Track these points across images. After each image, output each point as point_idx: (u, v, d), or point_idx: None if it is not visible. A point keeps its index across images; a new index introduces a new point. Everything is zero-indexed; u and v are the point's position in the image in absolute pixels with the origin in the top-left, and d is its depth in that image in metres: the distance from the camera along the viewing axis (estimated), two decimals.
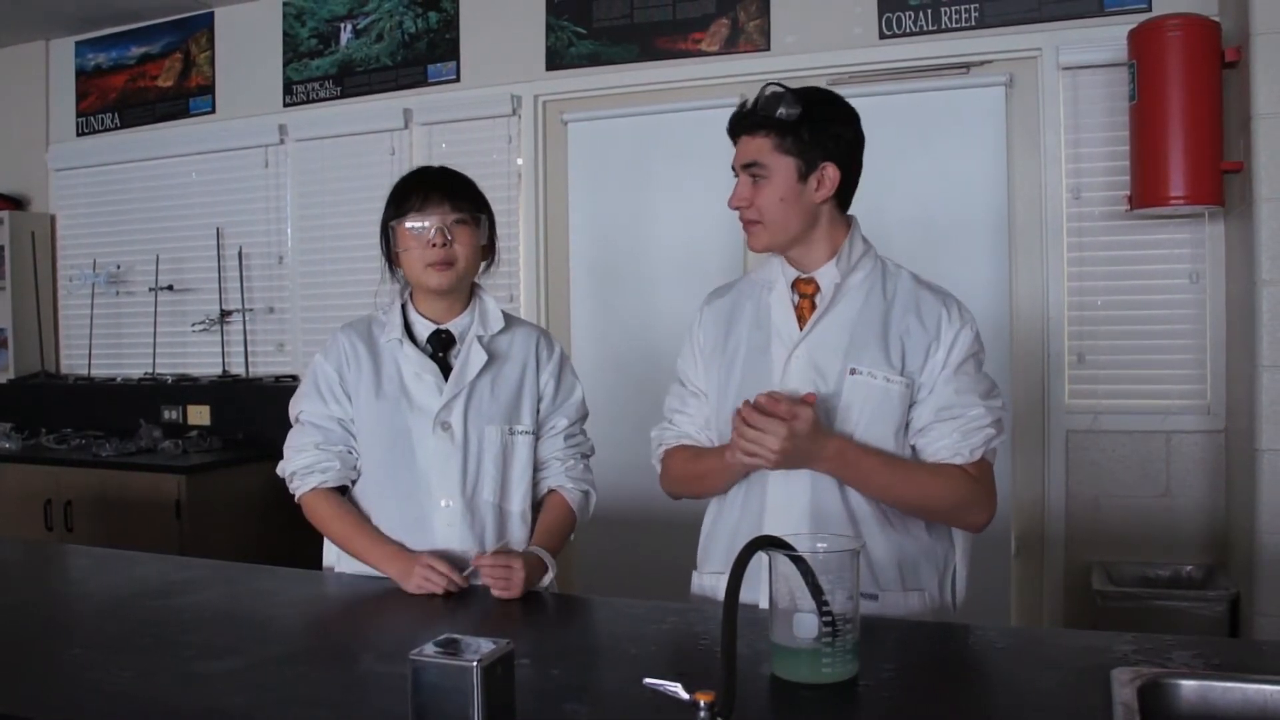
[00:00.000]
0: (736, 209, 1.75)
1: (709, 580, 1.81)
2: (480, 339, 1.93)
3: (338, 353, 1.94)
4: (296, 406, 1.96)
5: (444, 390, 1.89)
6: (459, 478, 1.88)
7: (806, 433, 1.58)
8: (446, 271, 1.87)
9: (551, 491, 2.00)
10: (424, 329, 1.94)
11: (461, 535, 1.87)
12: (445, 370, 1.91)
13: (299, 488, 1.92)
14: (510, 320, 2.00)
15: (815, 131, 1.70)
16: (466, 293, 1.97)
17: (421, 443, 1.89)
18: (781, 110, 1.68)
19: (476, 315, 1.96)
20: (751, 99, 1.74)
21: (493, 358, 1.93)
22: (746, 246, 1.81)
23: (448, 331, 1.94)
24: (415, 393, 1.90)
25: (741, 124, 1.74)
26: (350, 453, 1.93)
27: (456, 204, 1.88)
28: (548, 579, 1.87)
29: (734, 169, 1.76)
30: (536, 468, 1.98)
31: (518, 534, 1.93)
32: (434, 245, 1.85)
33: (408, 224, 1.87)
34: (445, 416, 1.89)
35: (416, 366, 1.91)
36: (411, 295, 1.97)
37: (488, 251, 1.96)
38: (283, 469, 1.95)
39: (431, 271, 1.86)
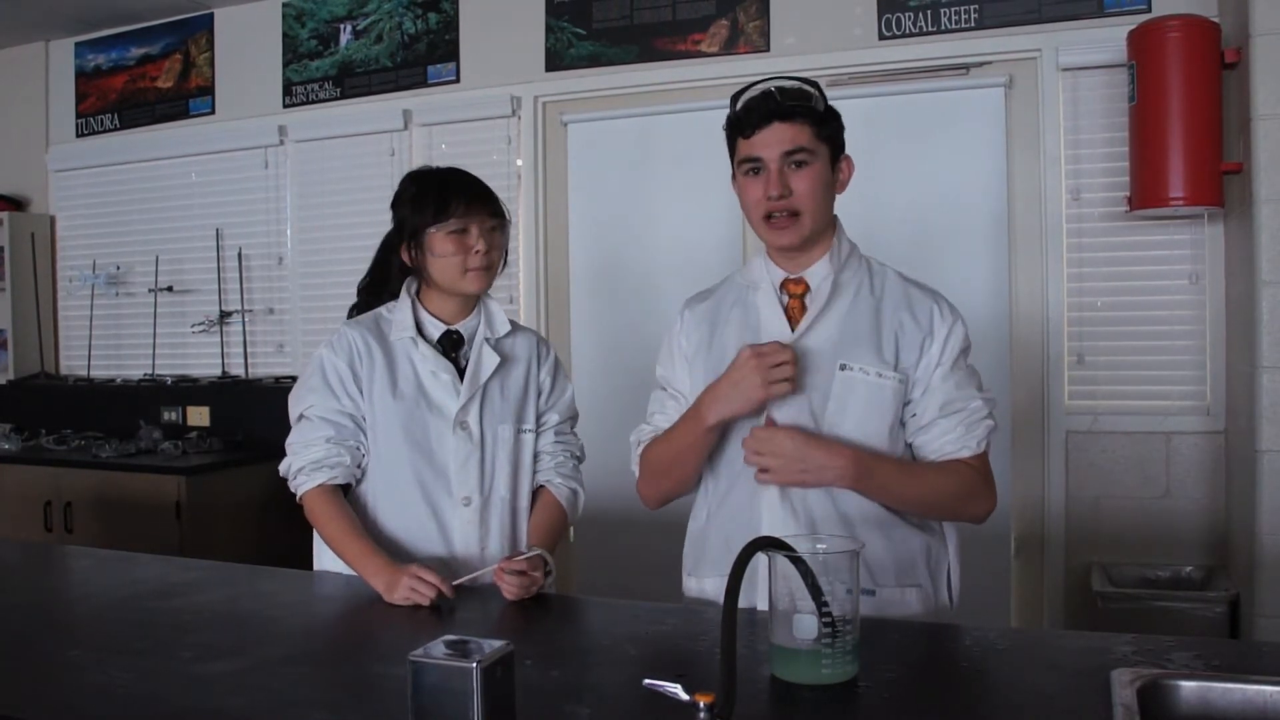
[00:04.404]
0: (777, 198, 1.67)
1: (711, 584, 1.78)
2: (488, 340, 1.97)
3: (348, 348, 1.93)
4: (302, 402, 1.93)
5: (461, 391, 1.92)
6: (478, 476, 1.93)
7: (805, 435, 1.61)
8: (485, 276, 1.92)
9: (541, 488, 2.03)
10: (435, 329, 1.96)
11: (479, 532, 1.92)
12: (456, 369, 1.95)
13: (304, 484, 1.89)
14: (512, 323, 2.04)
15: (838, 123, 1.73)
16: (475, 297, 2.00)
17: (441, 442, 1.92)
18: (817, 97, 1.69)
19: (483, 318, 2.00)
20: (760, 93, 1.70)
21: (502, 360, 1.97)
22: (771, 244, 1.74)
23: (458, 332, 1.97)
24: (433, 392, 1.93)
25: (782, 109, 1.66)
26: (359, 449, 1.93)
27: (494, 209, 1.93)
28: (549, 580, 1.88)
29: (755, 160, 1.68)
30: None
31: (523, 530, 1.98)
32: (478, 252, 1.89)
33: (448, 229, 1.89)
34: (463, 416, 1.92)
35: (433, 365, 1.93)
36: (419, 294, 1.98)
37: (505, 256, 2.01)
38: (286, 466, 1.92)
39: (472, 276, 1.90)
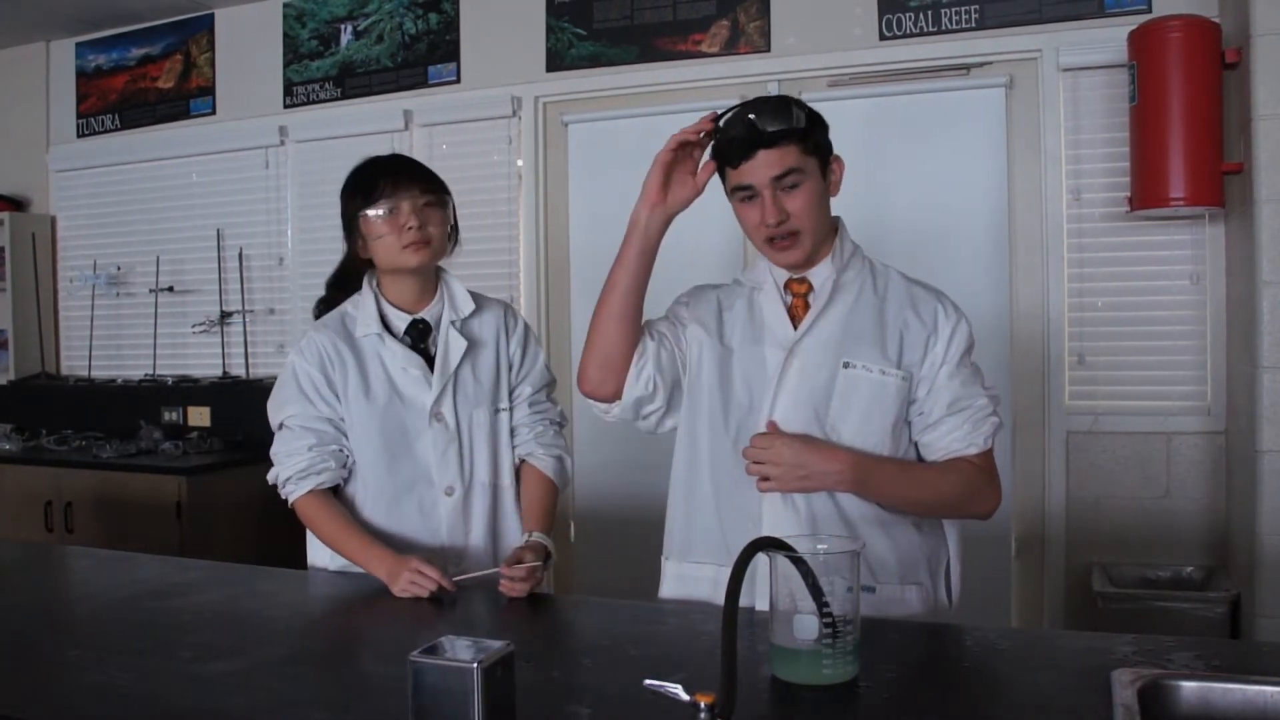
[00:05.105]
0: (775, 224, 1.66)
1: (703, 571, 1.75)
2: (454, 324, 1.97)
3: (319, 354, 1.93)
4: (281, 411, 1.94)
5: (433, 383, 1.92)
6: (457, 465, 1.93)
7: (803, 441, 1.62)
8: (424, 250, 1.90)
9: (524, 463, 2.02)
10: (400, 320, 1.96)
11: (463, 520, 1.93)
12: (426, 359, 1.94)
13: (294, 492, 1.91)
14: (478, 299, 2.03)
15: (821, 128, 1.72)
16: (434, 277, 2.00)
17: (419, 437, 1.93)
18: (797, 114, 1.66)
19: (446, 300, 1.99)
20: (736, 117, 1.67)
21: (470, 343, 1.97)
22: (776, 263, 1.74)
23: (424, 321, 1.96)
24: (405, 388, 1.93)
25: (764, 138, 1.63)
26: (342, 451, 1.94)
27: (425, 186, 1.92)
28: (551, 563, 1.89)
29: (747, 188, 1.67)
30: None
31: (509, 507, 1.99)
32: (410, 227, 1.88)
33: (380, 210, 1.89)
34: (438, 408, 1.92)
35: (402, 361, 1.93)
36: (380, 287, 1.98)
37: (452, 233, 1.99)
38: (275, 475, 1.93)
39: (409, 251, 1.89)
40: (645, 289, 1.76)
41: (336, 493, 1.96)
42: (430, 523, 1.92)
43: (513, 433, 2.02)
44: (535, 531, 1.91)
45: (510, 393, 2.02)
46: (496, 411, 1.99)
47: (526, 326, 2.09)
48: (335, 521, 1.89)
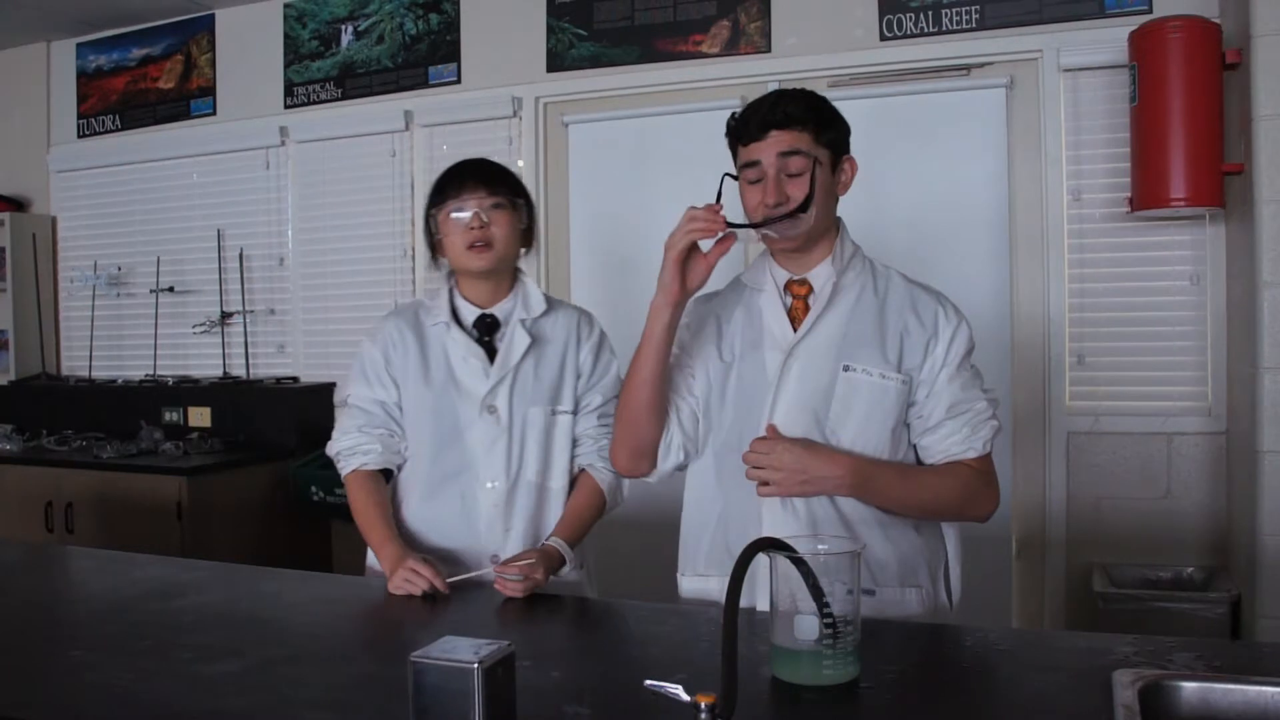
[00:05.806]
0: (774, 205, 1.66)
1: (710, 584, 1.77)
2: (523, 322, 1.99)
3: (384, 338, 2.00)
4: (345, 390, 2.05)
5: (490, 374, 1.94)
6: (504, 459, 1.94)
7: (803, 446, 1.62)
8: (486, 253, 1.93)
9: (582, 471, 2.02)
10: (470, 313, 2.00)
11: (503, 515, 1.94)
12: (490, 354, 1.97)
13: (343, 469, 1.98)
14: (552, 303, 2.05)
15: (840, 125, 1.73)
16: (510, 277, 2.03)
17: (469, 426, 1.95)
18: (818, 103, 1.69)
19: (519, 299, 2.02)
20: (761, 99, 1.71)
21: (536, 340, 1.99)
22: (771, 245, 1.75)
23: (492, 316, 1.99)
24: (462, 377, 1.96)
25: (781, 117, 1.66)
26: (393, 435, 1.98)
27: (493, 189, 1.95)
28: (566, 569, 1.89)
29: (754, 164, 1.68)
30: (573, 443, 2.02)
31: (555, 511, 1.98)
32: (472, 229, 1.91)
33: (447, 211, 1.94)
34: (491, 400, 1.94)
35: (463, 350, 1.96)
36: (457, 281, 2.02)
37: (527, 236, 2.02)
38: (330, 449, 2.02)
39: (471, 254, 1.93)
40: (666, 367, 1.74)
41: (392, 477, 2.01)
42: (469, 514, 1.94)
43: (577, 440, 2.01)
44: (557, 536, 1.91)
45: (576, 399, 2.01)
46: (554, 413, 1.98)
47: (603, 335, 2.08)
48: (368, 506, 1.93)
